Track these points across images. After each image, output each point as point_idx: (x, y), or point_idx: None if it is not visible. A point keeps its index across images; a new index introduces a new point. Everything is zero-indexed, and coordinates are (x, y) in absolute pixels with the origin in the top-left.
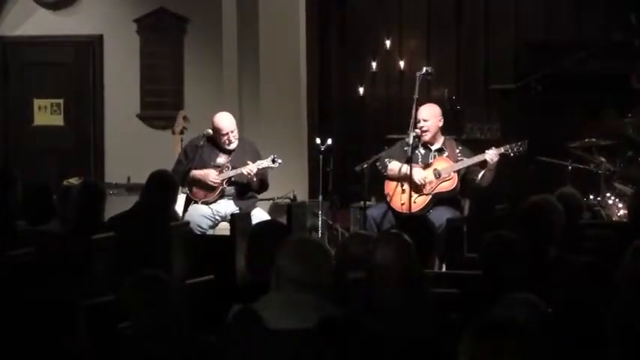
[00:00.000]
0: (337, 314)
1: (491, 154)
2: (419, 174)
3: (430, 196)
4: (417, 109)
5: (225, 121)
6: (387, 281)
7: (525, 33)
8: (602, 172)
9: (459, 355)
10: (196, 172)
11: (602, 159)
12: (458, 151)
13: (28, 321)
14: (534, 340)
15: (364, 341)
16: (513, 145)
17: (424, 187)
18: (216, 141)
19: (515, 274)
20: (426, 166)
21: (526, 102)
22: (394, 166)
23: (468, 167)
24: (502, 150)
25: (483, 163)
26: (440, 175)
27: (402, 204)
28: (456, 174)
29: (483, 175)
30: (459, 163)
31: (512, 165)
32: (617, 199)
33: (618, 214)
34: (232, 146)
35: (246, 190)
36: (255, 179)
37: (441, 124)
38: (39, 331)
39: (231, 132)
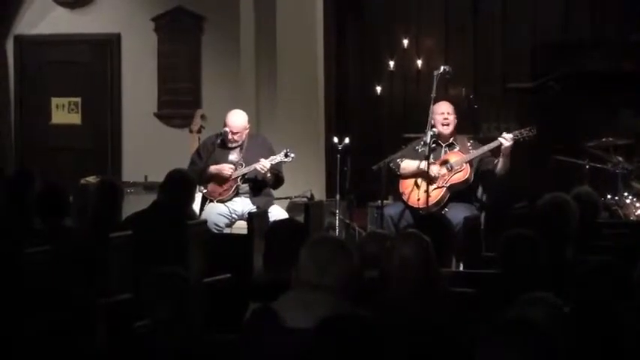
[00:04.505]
0: (341, 312)
1: (506, 137)
2: (434, 168)
3: (445, 189)
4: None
5: (235, 121)
6: (405, 280)
7: (543, 32)
8: (620, 172)
9: (476, 354)
10: (212, 168)
11: (620, 158)
12: (469, 144)
13: (46, 319)
14: (551, 339)
15: (367, 339)
16: (523, 130)
17: (439, 179)
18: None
19: (533, 273)
20: (441, 162)
21: (543, 101)
22: (407, 165)
23: (482, 158)
24: (512, 135)
25: (497, 151)
26: (452, 168)
27: (418, 199)
28: (468, 165)
29: (499, 163)
30: (471, 153)
31: (529, 164)
32: (634, 199)
33: (636, 214)
34: (234, 145)
35: (261, 187)
36: (269, 175)
37: (456, 120)
38: (57, 329)
39: (236, 133)
